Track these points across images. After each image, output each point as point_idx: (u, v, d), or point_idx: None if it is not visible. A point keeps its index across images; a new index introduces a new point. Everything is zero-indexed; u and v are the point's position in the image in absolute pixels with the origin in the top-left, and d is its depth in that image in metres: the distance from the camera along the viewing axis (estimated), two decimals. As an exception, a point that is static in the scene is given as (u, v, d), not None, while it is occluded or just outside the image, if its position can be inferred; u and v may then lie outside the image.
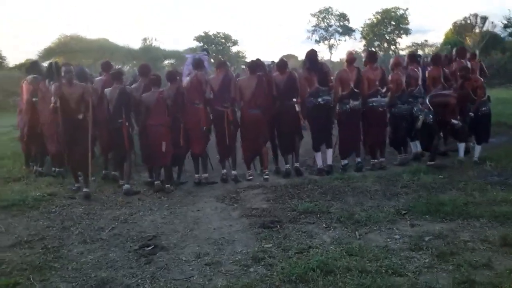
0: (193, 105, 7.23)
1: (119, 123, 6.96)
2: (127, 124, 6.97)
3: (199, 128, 7.26)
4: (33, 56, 33.09)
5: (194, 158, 7.48)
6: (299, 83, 7.53)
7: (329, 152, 7.67)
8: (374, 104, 7.53)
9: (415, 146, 8.26)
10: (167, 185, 7.00)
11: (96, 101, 7.33)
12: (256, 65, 7.60)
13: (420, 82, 7.99)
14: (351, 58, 7.81)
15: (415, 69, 8.08)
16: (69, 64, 6.95)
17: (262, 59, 8.48)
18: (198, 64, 7.61)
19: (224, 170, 7.46)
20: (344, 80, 7.48)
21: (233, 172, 7.42)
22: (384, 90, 7.62)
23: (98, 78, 8.19)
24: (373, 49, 46.97)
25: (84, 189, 6.69)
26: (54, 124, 7.21)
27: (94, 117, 7.00)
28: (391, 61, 8.33)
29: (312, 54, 7.69)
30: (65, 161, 7.15)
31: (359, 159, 7.68)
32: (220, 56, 44.42)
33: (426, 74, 8.20)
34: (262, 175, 7.44)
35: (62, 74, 6.65)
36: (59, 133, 6.99)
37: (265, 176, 7.37)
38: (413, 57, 8.59)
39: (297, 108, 7.33)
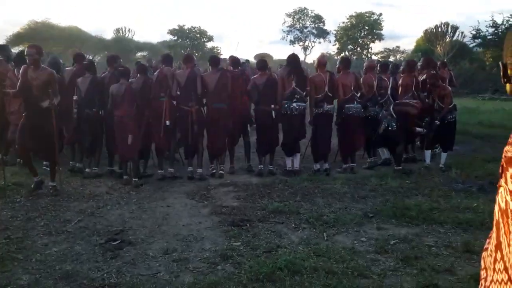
0: (158, 99, 7.17)
1: (91, 111, 7.10)
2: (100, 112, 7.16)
3: (161, 122, 7.15)
4: (1, 41, 32.24)
5: (158, 153, 7.45)
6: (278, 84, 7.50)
7: (297, 156, 7.68)
8: (352, 112, 7.57)
9: (383, 153, 8.41)
10: (134, 179, 6.93)
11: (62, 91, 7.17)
12: (217, 60, 7.67)
13: (389, 91, 8.09)
14: (323, 61, 7.85)
15: (385, 78, 8.20)
16: (35, 47, 6.19)
17: (237, 56, 8.53)
18: (166, 59, 7.65)
19: (190, 168, 7.38)
20: (318, 84, 7.51)
21: (199, 170, 7.33)
22: (358, 95, 7.72)
23: (68, 68, 8.02)
24: (347, 54, 47.66)
25: (50, 183, 6.34)
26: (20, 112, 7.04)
27: (60, 107, 6.74)
28: (365, 64, 8.45)
29: (294, 58, 7.73)
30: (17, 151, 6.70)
31: (326, 165, 7.73)
32: (194, 51, 44.18)
33: (400, 81, 8.31)
34: (217, 170, 7.45)
35: (26, 57, 6.03)
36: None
37: (220, 172, 7.40)
38: (384, 66, 8.70)
39: (273, 115, 7.34)
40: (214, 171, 7.46)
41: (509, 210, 1.15)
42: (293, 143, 7.55)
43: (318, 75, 7.59)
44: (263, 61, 7.74)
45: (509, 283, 1.15)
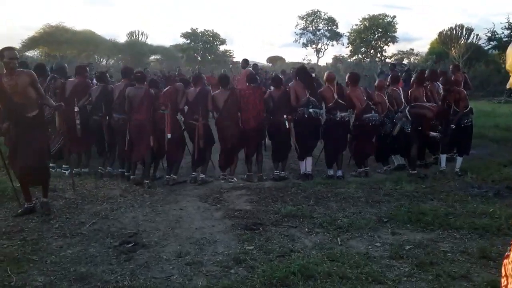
0: (159, 111, 7.29)
1: (98, 117, 7.51)
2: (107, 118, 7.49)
3: (162, 134, 7.30)
4: (17, 45, 32.70)
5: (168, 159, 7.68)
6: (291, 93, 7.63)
7: (309, 160, 7.73)
8: (370, 119, 7.62)
9: (397, 159, 8.36)
10: (146, 181, 7.07)
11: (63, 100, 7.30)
12: (227, 79, 7.79)
13: (403, 100, 8.06)
14: (331, 77, 7.88)
15: (396, 89, 8.17)
16: (14, 48, 5.52)
17: (249, 60, 8.57)
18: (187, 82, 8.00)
19: (194, 174, 7.54)
20: (327, 96, 7.64)
21: (201, 175, 7.45)
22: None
23: (70, 79, 8.01)
24: (360, 57, 47.43)
25: (43, 199, 5.69)
26: None
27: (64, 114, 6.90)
28: (376, 83, 8.48)
29: (304, 71, 8.04)
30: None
31: (340, 172, 7.74)
32: (207, 54, 44.35)
33: (408, 93, 8.26)
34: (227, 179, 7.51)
35: (8, 61, 5.20)
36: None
37: (230, 181, 7.45)
38: (395, 78, 8.65)
39: (287, 125, 7.39)
40: (223, 177, 7.55)
41: None
42: (306, 147, 7.60)
43: (327, 88, 7.70)
44: (278, 78, 8.06)
45: None
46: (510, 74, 1.33)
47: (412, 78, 8.70)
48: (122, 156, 7.64)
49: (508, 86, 1.37)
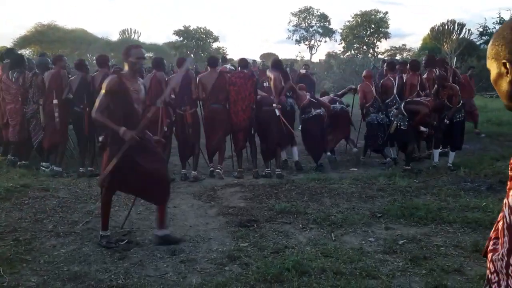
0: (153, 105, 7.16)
1: (80, 109, 7.31)
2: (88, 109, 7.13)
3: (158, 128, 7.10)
4: (8, 44, 32.46)
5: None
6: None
7: (294, 149, 8.14)
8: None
9: (389, 152, 8.38)
10: None
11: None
12: (216, 60, 7.82)
13: (395, 91, 8.07)
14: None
15: (391, 78, 8.19)
16: (139, 47, 4.82)
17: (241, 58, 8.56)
18: (157, 64, 7.62)
19: (184, 170, 7.44)
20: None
21: (193, 173, 7.37)
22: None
23: (49, 71, 7.85)
24: (352, 53, 47.44)
25: (161, 231, 4.72)
26: (18, 114, 7.59)
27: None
28: (364, 72, 8.66)
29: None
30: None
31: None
32: (200, 52, 44.22)
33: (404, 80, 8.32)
34: (214, 171, 7.46)
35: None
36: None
37: (218, 170, 7.38)
38: (391, 65, 8.68)
39: (278, 113, 7.35)
40: (212, 169, 7.50)
41: None
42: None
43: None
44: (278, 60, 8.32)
45: None
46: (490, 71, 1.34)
47: (408, 66, 8.73)
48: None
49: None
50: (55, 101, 7.34)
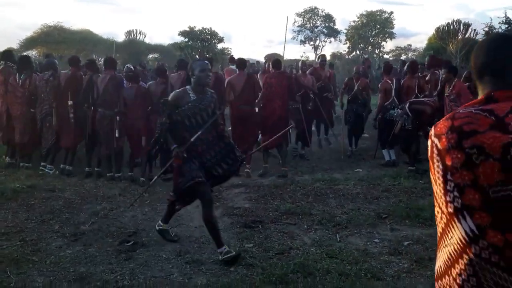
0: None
1: (85, 108, 7.27)
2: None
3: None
4: (15, 45, 32.61)
5: None
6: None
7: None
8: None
9: (387, 154, 8.34)
10: (141, 178, 7.07)
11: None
12: (245, 62, 7.87)
13: (393, 93, 8.05)
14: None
15: (388, 80, 8.18)
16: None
17: (245, 58, 8.61)
18: (182, 65, 7.77)
19: None
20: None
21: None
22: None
23: (63, 71, 7.96)
24: (357, 53, 47.34)
25: None
26: (24, 117, 7.65)
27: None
28: (354, 68, 8.85)
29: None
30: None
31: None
32: (205, 52, 44.23)
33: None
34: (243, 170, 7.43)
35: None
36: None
37: (246, 170, 7.40)
38: (387, 68, 8.68)
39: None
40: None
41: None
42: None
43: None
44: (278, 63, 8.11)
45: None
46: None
47: (405, 68, 8.73)
48: (106, 154, 7.39)
49: None
50: (70, 102, 7.36)
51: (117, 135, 7.06)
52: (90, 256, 4.35)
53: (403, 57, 42.45)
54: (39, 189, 6.54)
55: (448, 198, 1.32)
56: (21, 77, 7.64)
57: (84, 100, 7.36)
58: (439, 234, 1.42)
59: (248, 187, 6.83)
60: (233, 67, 12.06)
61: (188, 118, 4.31)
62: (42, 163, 7.64)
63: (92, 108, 7.27)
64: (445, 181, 1.32)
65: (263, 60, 13.81)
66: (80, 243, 4.68)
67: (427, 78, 8.46)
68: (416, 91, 7.93)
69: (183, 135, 4.33)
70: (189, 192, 4.37)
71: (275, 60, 8.13)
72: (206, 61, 4.56)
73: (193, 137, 4.27)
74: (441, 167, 1.34)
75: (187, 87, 4.42)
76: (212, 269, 4.05)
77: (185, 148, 4.25)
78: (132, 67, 9.05)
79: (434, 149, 1.37)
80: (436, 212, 1.44)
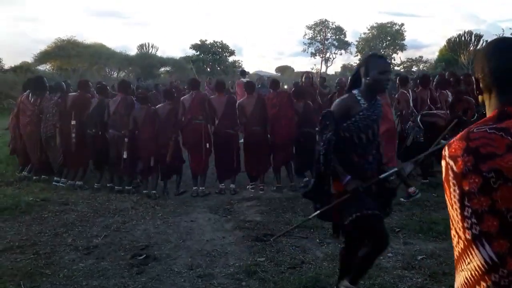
0: (195, 121, 7.31)
1: (92, 132, 7.38)
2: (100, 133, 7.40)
3: (199, 144, 7.31)
4: (29, 59, 33.09)
5: (193, 174, 7.50)
6: None
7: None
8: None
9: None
10: (153, 191, 7.14)
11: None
12: (253, 86, 7.99)
13: (411, 103, 8.02)
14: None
15: (405, 92, 8.15)
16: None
17: (256, 70, 8.67)
18: (194, 84, 7.85)
19: (222, 185, 7.51)
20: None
21: (201, 188, 7.39)
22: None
23: (71, 94, 8.11)
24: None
25: None
26: (34, 135, 7.80)
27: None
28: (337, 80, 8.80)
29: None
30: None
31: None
32: (216, 65, 44.54)
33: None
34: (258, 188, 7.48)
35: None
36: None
37: (260, 191, 7.40)
38: (403, 80, 8.63)
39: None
40: (254, 189, 7.51)
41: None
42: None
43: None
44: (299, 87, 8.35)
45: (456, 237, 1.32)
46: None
47: (418, 81, 8.67)
48: (114, 171, 7.53)
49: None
50: (73, 122, 7.45)
51: (124, 156, 7.10)
52: (102, 269, 4.36)
53: (414, 69, 42.38)
54: (52, 202, 6.61)
55: (465, 225, 1.27)
56: (33, 96, 7.87)
57: (90, 121, 7.42)
58: (455, 257, 1.36)
59: (260, 200, 6.82)
60: (244, 80, 12.16)
61: (358, 134, 3.29)
62: (55, 178, 7.72)
63: (101, 129, 7.40)
64: (462, 207, 1.27)
65: (274, 73, 13.94)
66: (93, 256, 4.70)
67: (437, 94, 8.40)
68: (429, 103, 7.90)
69: (351, 159, 3.35)
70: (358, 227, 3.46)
71: (272, 80, 8.22)
72: (388, 60, 3.58)
73: (413, 160, 3.55)
74: (457, 191, 1.28)
75: (354, 91, 3.34)
76: (224, 283, 4.04)
77: (369, 184, 3.39)
78: (142, 82, 9.24)
79: (450, 172, 1.31)
80: (452, 236, 1.38)
